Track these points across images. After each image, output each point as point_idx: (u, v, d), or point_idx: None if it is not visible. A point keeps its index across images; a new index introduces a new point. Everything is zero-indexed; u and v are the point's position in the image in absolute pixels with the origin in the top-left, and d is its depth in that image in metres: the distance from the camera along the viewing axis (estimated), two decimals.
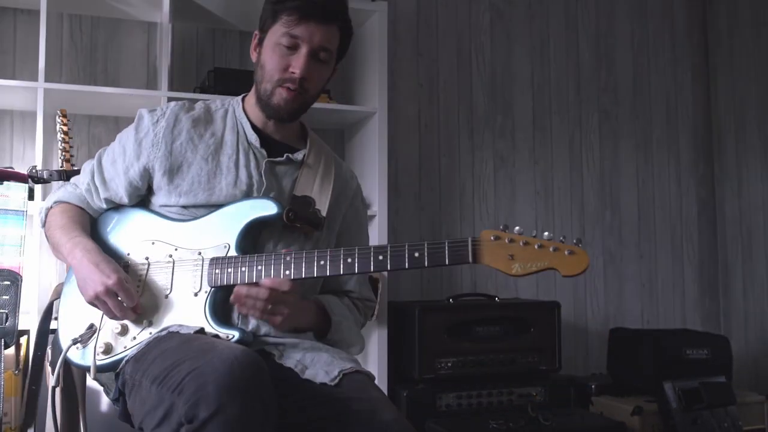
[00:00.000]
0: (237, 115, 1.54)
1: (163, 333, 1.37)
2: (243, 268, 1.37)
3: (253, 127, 1.52)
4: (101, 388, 1.54)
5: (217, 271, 1.38)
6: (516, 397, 2.60)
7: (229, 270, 1.37)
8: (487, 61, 3.25)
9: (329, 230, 1.56)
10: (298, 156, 1.54)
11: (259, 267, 1.36)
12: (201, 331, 1.35)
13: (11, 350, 2.13)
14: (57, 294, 1.60)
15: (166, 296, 1.41)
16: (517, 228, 1.27)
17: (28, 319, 2.18)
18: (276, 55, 1.44)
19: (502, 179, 3.24)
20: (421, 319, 2.53)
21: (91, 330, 1.43)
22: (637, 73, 3.52)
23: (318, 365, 1.37)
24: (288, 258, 1.36)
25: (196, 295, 1.39)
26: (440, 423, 2.42)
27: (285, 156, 1.51)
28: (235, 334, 1.34)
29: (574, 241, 1.27)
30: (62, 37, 2.68)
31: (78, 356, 1.44)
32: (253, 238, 1.44)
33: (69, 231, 1.47)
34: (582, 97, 3.40)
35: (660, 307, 3.46)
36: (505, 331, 2.64)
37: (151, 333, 1.39)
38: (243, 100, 1.57)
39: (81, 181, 1.57)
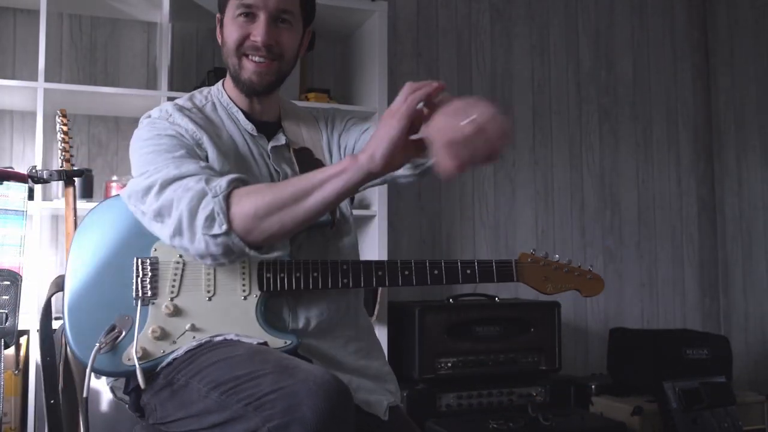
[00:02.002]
0: (225, 104, 1.46)
1: (218, 339, 1.30)
2: (297, 274, 1.33)
3: (245, 114, 1.45)
4: (101, 389, 1.48)
5: (268, 275, 1.33)
6: (516, 398, 2.60)
7: (281, 275, 1.33)
8: (487, 61, 3.25)
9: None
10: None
11: (315, 274, 1.34)
12: (264, 344, 1.29)
13: (11, 350, 2.13)
14: (57, 287, 1.46)
15: (209, 299, 1.34)
16: (542, 253, 1.49)
17: (28, 319, 2.18)
18: (235, 26, 1.38)
19: (502, 179, 3.24)
20: (421, 319, 2.53)
21: (114, 332, 1.30)
22: (637, 72, 3.52)
23: (363, 392, 1.37)
24: (345, 267, 1.35)
25: (245, 299, 1.33)
26: (440, 423, 2.41)
27: (283, 138, 1.46)
28: (292, 340, 1.31)
29: (589, 267, 1.51)
30: (62, 37, 2.68)
31: (103, 363, 1.30)
32: (300, 242, 1.40)
33: (303, 177, 1.24)
34: (582, 96, 3.40)
35: (660, 307, 3.46)
36: (505, 331, 2.64)
37: (194, 337, 1.31)
38: (224, 87, 1.48)
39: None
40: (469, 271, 1.39)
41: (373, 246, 2.59)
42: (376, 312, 2.50)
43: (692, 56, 3.63)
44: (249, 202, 1.20)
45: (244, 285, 1.34)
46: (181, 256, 1.34)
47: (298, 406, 1.06)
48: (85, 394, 1.33)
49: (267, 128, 1.46)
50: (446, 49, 3.20)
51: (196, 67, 2.82)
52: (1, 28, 2.62)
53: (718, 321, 3.55)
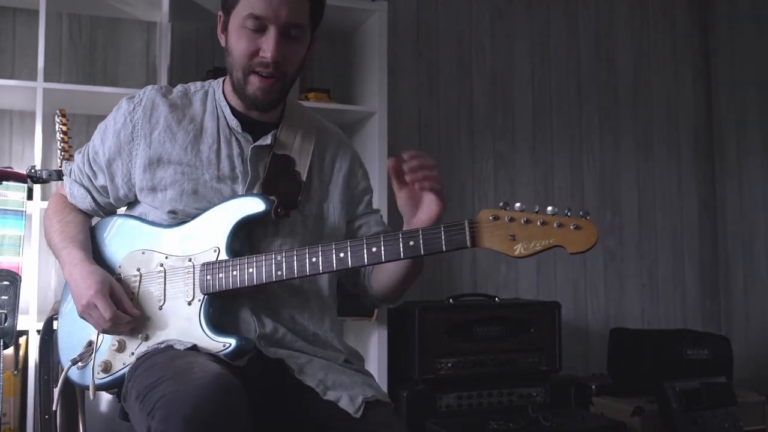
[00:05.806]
0: (216, 98, 1.44)
1: (162, 346, 1.30)
2: (234, 272, 1.30)
3: (234, 111, 1.42)
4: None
5: (208, 277, 1.32)
6: (516, 398, 2.60)
7: (220, 275, 1.31)
8: (487, 61, 3.25)
9: (313, 201, 1.44)
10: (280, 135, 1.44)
11: (250, 269, 1.30)
12: (194, 347, 1.27)
13: (10, 350, 2.13)
14: (54, 311, 1.54)
15: (160, 308, 1.35)
16: (518, 204, 1.17)
17: (27, 320, 2.18)
18: (243, 39, 1.32)
19: (502, 179, 3.23)
20: (421, 319, 2.52)
21: (90, 348, 1.38)
22: (637, 72, 3.52)
23: (339, 388, 1.29)
24: (279, 257, 1.29)
25: (189, 304, 1.33)
26: (440, 423, 2.41)
27: (270, 138, 1.41)
28: (231, 342, 1.27)
29: (581, 213, 1.14)
30: (61, 36, 2.68)
31: (78, 376, 1.41)
32: (246, 239, 1.37)
33: (63, 237, 1.44)
34: (582, 96, 3.40)
35: (660, 307, 3.46)
36: (505, 332, 2.64)
37: (147, 346, 1.33)
38: (223, 82, 1.46)
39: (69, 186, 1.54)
40: (412, 243, 1.22)
41: None
42: (376, 312, 2.49)
43: (693, 56, 3.63)
44: (47, 218, 1.52)
45: (188, 291, 1.34)
46: (138, 269, 1.39)
47: (170, 414, 1.05)
48: (54, 407, 1.45)
49: (258, 127, 1.42)
50: (446, 49, 3.19)
51: (195, 66, 2.81)
52: (1, 27, 2.62)
53: (719, 321, 3.55)
